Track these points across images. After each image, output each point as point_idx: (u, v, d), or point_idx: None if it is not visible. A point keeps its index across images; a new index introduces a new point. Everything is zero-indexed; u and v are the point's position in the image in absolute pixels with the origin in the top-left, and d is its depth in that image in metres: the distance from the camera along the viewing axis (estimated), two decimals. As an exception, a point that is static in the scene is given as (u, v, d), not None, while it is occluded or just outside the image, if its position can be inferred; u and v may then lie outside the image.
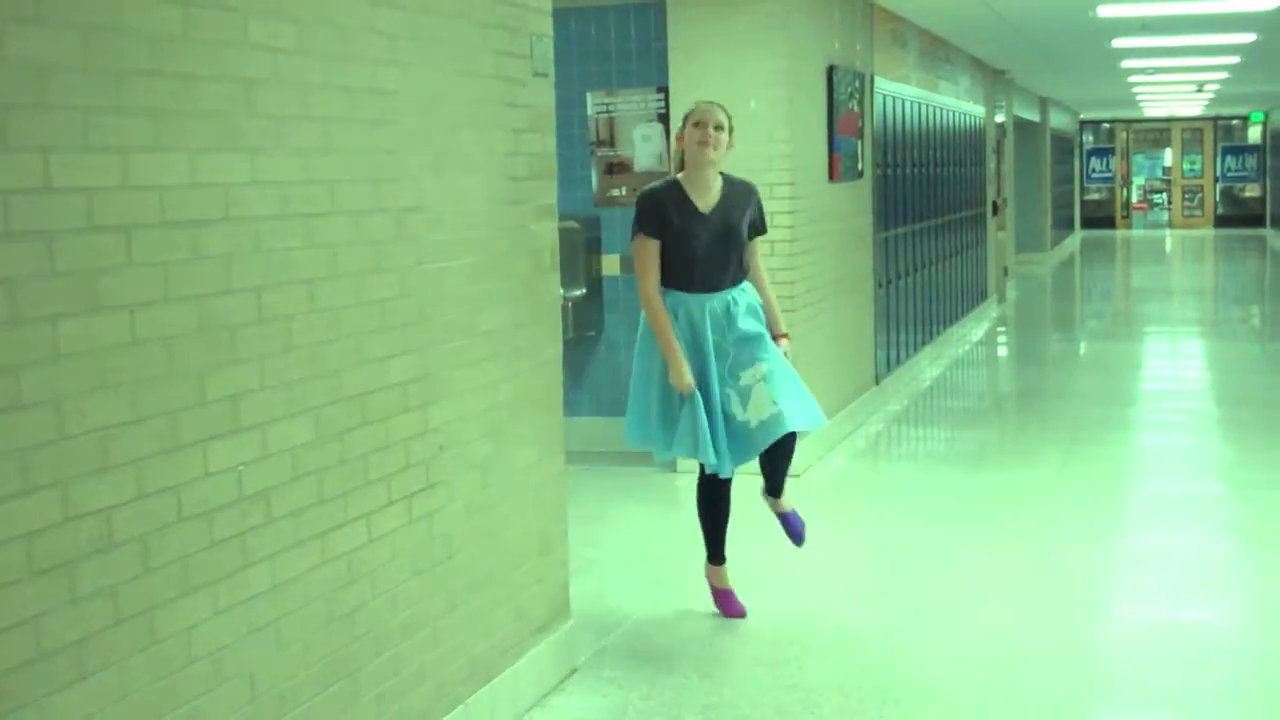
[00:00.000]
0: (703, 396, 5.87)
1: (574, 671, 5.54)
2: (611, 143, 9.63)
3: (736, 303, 6.01)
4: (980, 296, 17.93)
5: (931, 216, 14.16)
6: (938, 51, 14.91)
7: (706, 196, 6.04)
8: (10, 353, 2.93)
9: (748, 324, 5.99)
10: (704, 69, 9.08)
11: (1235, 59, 18.88)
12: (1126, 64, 19.37)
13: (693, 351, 5.94)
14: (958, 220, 15.85)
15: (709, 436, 5.85)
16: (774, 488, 6.28)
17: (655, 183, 6.16)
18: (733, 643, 5.95)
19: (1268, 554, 7.21)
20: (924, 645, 5.86)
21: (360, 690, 4.19)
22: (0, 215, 2.90)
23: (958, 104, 16.15)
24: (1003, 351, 16.33)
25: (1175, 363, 15.66)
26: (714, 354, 5.95)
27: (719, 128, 6.02)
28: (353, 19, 4.14)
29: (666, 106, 9.37)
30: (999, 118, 20.33)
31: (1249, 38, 15.65)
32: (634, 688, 5.43)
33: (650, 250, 5.98)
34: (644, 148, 9.61)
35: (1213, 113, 38.27)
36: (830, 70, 9.97)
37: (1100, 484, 8.94)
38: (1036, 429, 11.27)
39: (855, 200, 10.90)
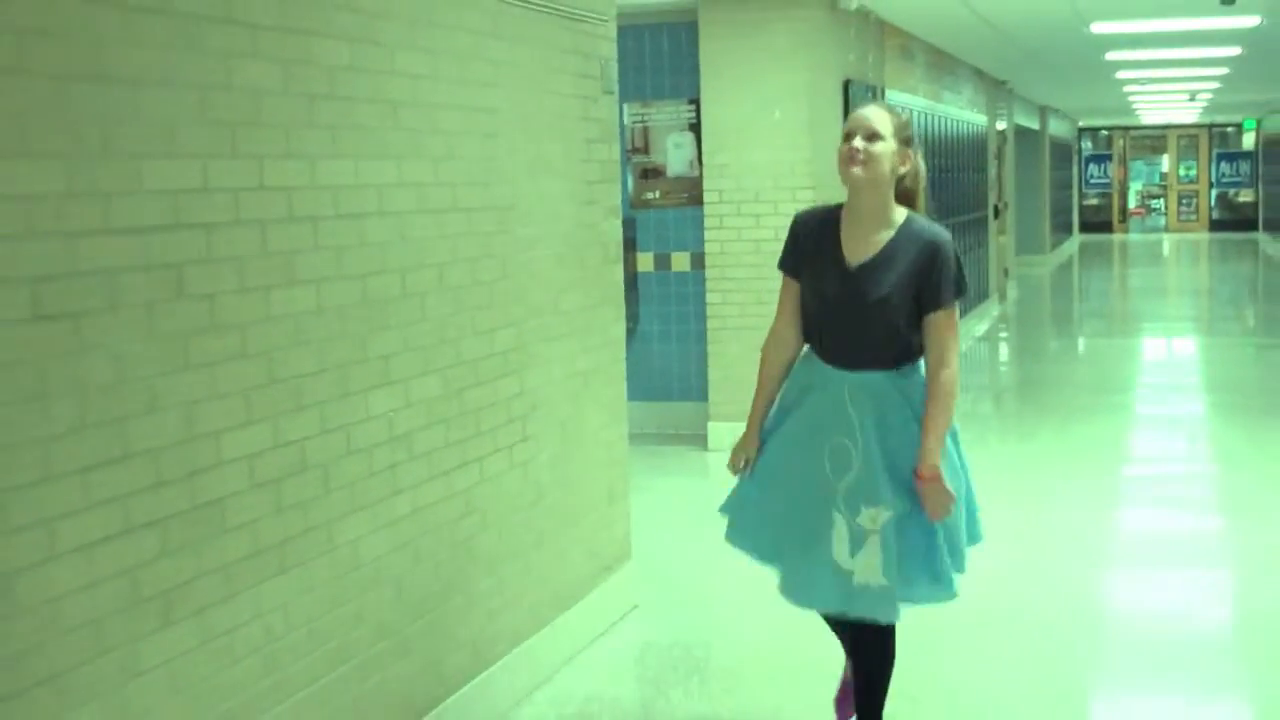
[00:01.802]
0: (802, 502, 4.48)
1: (635, 607, 6.40)
2: (646, 150, 10.49)
3: (872, 394, 4.41)
4: (982, 296, 18.80)
5: (938, 219, 14.97)
6: (942, 64, 15.79)
7: (864, 243, 4.44)
8: (238, 314, 3.79)
9: (887, 432, 4.40)
10: (732, 83, 9.97)
11: (1224, 70, 19.74)
12: (1121, 75, 20.24)
13: (809, 439, 4.48)
14: (961, 223, 16.71)
15: (764, 526, 4.61)
16: (859, 700, 4.68)
17: (820, 205, 4.72)
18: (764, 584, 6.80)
19: (1245, 517, 8.07)
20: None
21: (474, 604, 5.05)
22: (232, 206, 3.77)
23: (961, 113, 17.04)
24: (1003, 347, 17.18)
25: (1168, 357, 16.56)
26: (834, 454, 4.43)
27: (872, 137, 4.39)
28: (469, 48, 5.01)
29: (698, 116, 10.24)
30: (1000, 125, 21.21)
31: (1235, 51, 16.53)
32: (685, 623, 6.30)
33: (784, 289, 4.63)
34: (676, 155, 10.47)
35: (1207, 120, 39.08)
36: (846, 84, 10.84)
37: (1089, 455, 9.80)
38: (1033, 412, 12.16)
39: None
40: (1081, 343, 17.90)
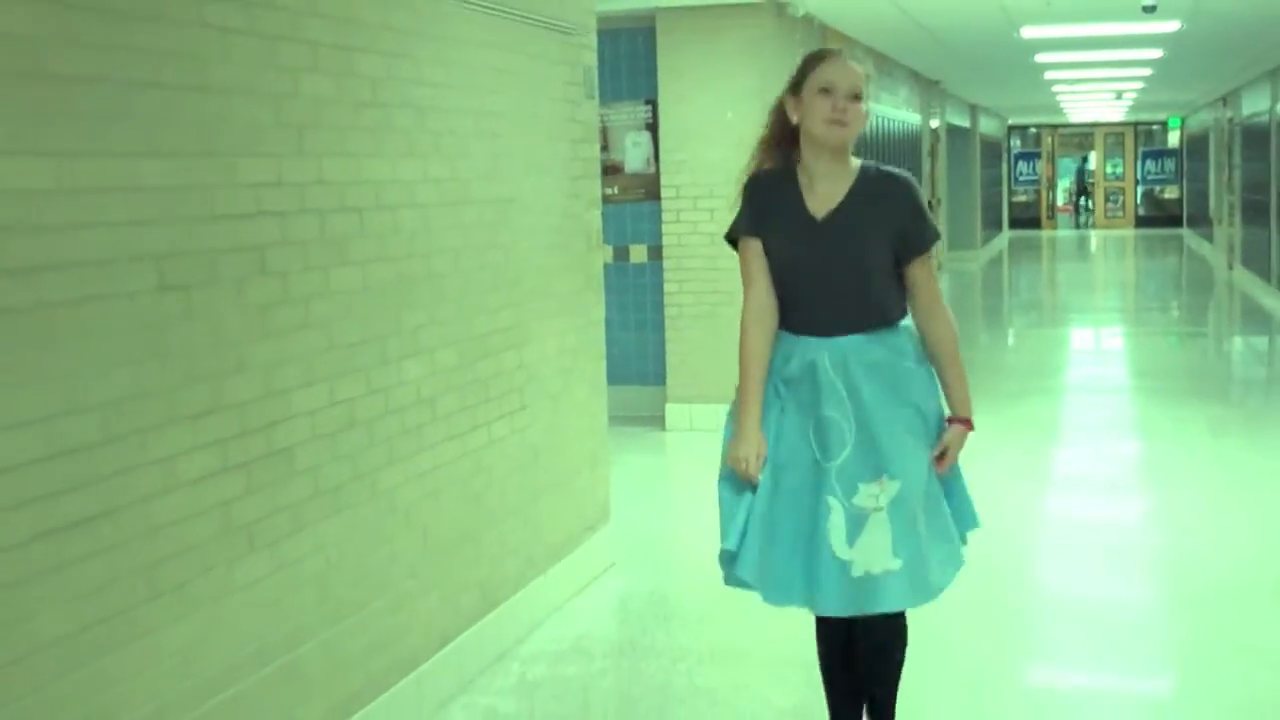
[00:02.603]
0: (792, 497, 4.09)
1: (614, 564, 7.07)
2: (605, 148, 11.16)
3: (858, 358, 4.06)
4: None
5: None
6: (880, 65, 16.53)
7: (826, 196, 4.11)
8: (303, 290, 4.43)
9: (881, 395, 4.06)
10: (688, 85, 10.67)
11: (1148, 71, 20.62)
12: (1049, 75, 21.08)
13: (800, 423, 4.11)
14: (897, 218, 17.47)
15: (770, 550, 4.08)
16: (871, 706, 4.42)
17: (768, 168, 4.28)
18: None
19: (1166, 483, 8.84)
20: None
21: (482, 553, 5.72)
22: (299, 198, 4.42)
23: (897, 112, 17.81)
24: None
25: (1096, 346, 17.41)
26: (820, 431, 4.07)
27: (855, 98, 4.07)
28: (479, 60, 5.67)
29: (654, 117, 10.92)
30: (934, 123, 22.01)
31: (1157, 54, 17.39)
32: (659, 576, 6.99)
33: (749, 254, 4.20)
34: (634, 152, 11.15)
35: (1134, 118, 40.11)
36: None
37: (1023, 431, 10.56)
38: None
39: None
40: (1013, 332, 18.72)
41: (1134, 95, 27.34)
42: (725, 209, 4.40)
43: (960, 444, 4.18)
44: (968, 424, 4.21)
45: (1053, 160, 44.16)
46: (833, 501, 4.00)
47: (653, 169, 11.03)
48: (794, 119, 4.18)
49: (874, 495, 4.00)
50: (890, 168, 4.22)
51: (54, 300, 3.38)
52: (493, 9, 5.77)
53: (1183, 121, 39.05)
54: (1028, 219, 42.19)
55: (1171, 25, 13.85)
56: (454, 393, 5.44)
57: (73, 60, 3.45)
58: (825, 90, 4.08)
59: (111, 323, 3.58)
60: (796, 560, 4.05)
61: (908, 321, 4.20)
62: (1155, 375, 13.96)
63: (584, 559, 6.69)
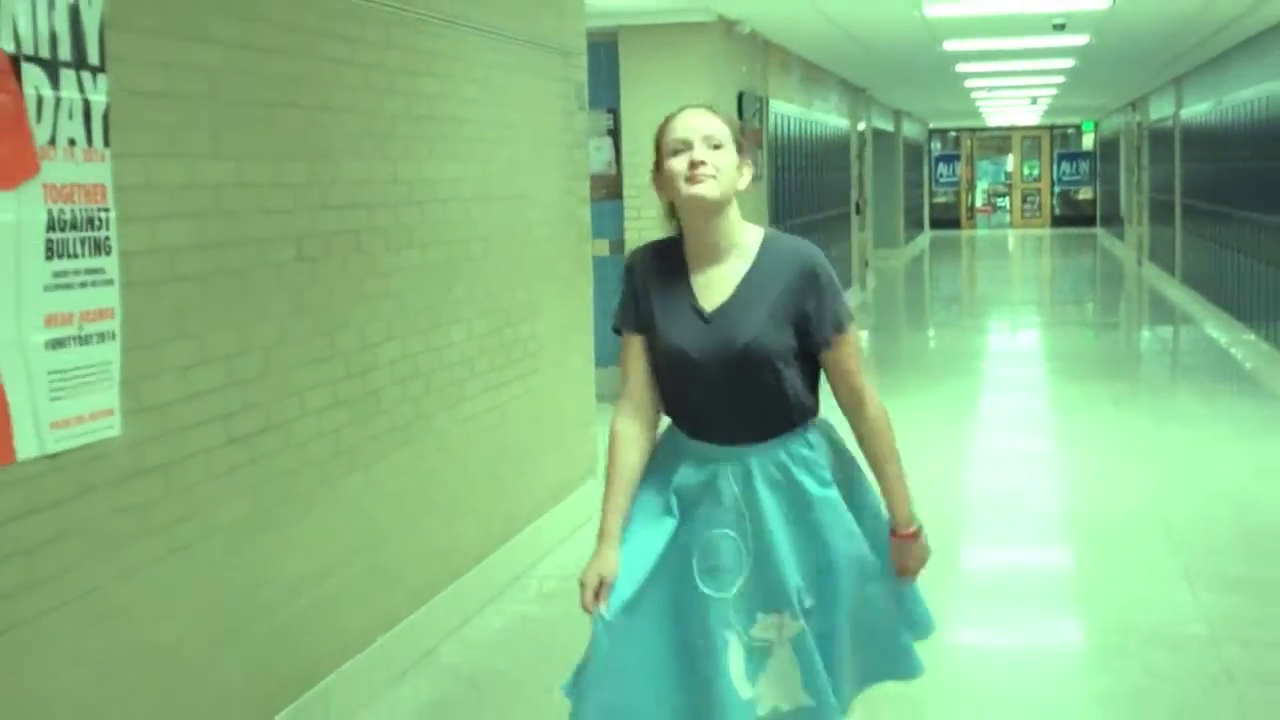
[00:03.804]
0: (669, 626, 3.52)
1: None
2: (571, 152, 12.34)
3: (762, 473, 3.52)
4: (846, 284, 20.85)
5: (809, 213, 17.01)
6: (813, 75, 17.81)
7: (718, 279, 3.54)
8: (384, 265, 5.57)
9: (784, 520, 3.50)
10: (648, 95, 11.86)
11: (1061, 79, 22.01)
12: (969, 84, 22.44)
13: (684, 548, 3.53)
14: (829, 218, 18.75)
15: (644, 682, 3.49)
16: None
17: (651, 242, 3.68)
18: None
19: (1076, 446, 10.12)
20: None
21: (505, 489, 6.87)
22: (381, 192, 5.56)
23: (827, 118, 19.09)
24: (867, 328, 19.23)
25: (1013, 334, 18.76)
26: (709, 553, 3.52)
27: (716, 147, 3.48)
28: (501, 79, 6.83)
29: (615, 123, 12.12)
30: (860, 127, 23.33)
31: (1069, 63, 18.76)
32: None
33: (627, 350, 3.65)
34: (596, 156, 12.29)
35: (1049, 122, 41.47)
36: (740, 95, 12.78)
37: (948, 406, 11.82)
38: (896, 376, 14.17)
39: (757, 201, 13.70)
40: (936, 323, 20.07)
41: (1049, 101, 28.79)
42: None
43: (911, 555, 3.62)
44: (911, 536, 3.61)
45: (972, 163, 45.37)
46: (729, 635, 3.45)
47: (614, 170, 12.21)
48: (663, 200, 3.59)
49: (775, 626, 3.45)
50: (798, 243, 3.62)
51: (232, 268, 4.52)
52: (509, 36, 6.92)
53: (1096, 125, 40.35)
54: (948, 219, 43.20)
55: (1081, 39, 15.19)
56: (486, 355, 6.59)
57: (240, 85, 4.58)
58: (678, 151, 3.49)
59: (267, 286, 4.72)
60: (666, 703, 3.50)
61: (822, 423, 3.64)
62: (1067, 358, 15.33)
63: (579, 501, 7.84)
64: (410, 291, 5.79)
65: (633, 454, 3.62)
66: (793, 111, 15.91)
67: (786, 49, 15.40)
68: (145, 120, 4.07)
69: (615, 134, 12.18)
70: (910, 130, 33.80)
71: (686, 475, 3.56)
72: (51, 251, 3.64)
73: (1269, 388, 12.35)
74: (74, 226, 3.72)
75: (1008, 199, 45.55)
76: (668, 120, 3.57)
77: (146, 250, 4.06)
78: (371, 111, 5.48)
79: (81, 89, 3.76)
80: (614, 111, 12.17)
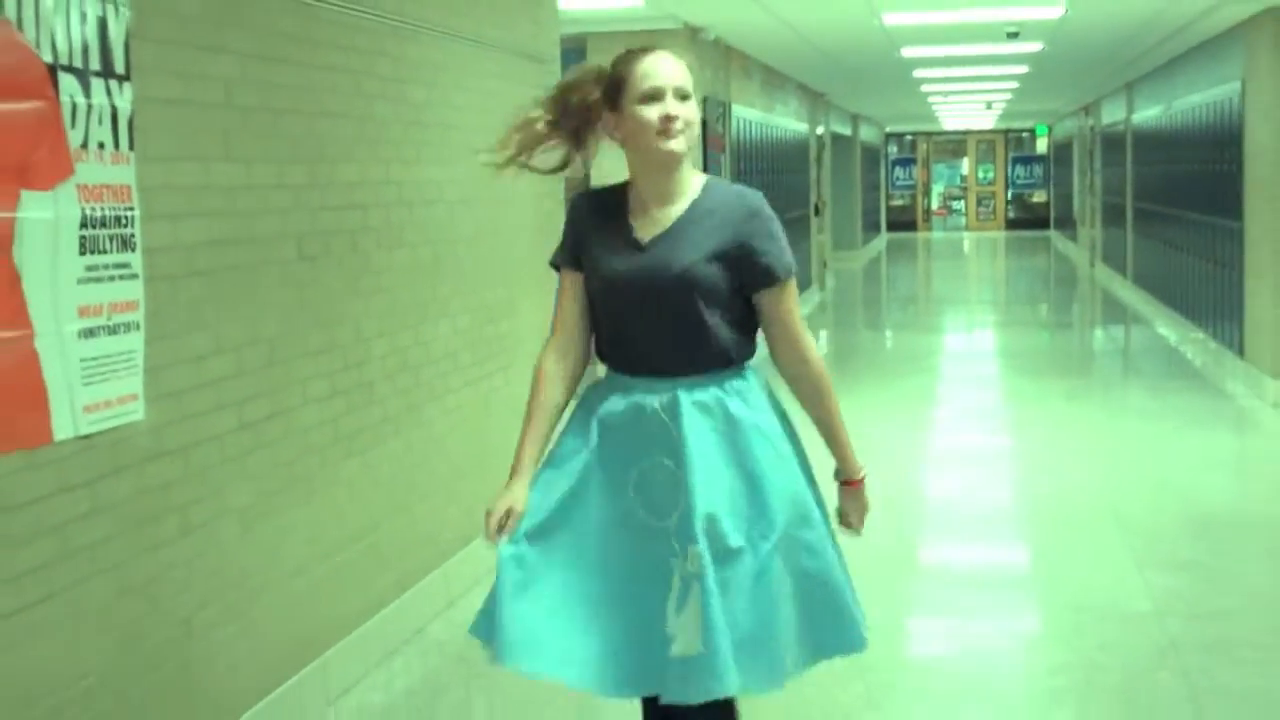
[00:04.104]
0: (625, 568, 3.41)
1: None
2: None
3: (687, 405, 3.40)
4: (805, 284, 21.21)
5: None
6: (774, 80, 18.17)
7: (659, 218, 3.49)
8: (378, 263, 5.87)
9: (709, 450, 3.38)
10: (615, 100, 12.16)
11: (1015, 84, 22.44)
12: (925, 88, 22.84)
13: (611, 479, 3.45)
14: (790, 219, 19.09)
15: (521, 612, 3.41)
16: None
17: (599, 187, 3.72)
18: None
19: (1029, 433, 10.49)
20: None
21: (487, 478, 7.15)
22: (374, 194, 5.86)
23: (787, 122, 19.46)
24: (826, 327, 19.62)
25: (969, 332, 19.16)
26: (644, 482, 3.42)
27: (684, 98, 3.43)
28: (482, 86, 7.13)
29: (583, 128, 12.40)
30: (819, 130, 23.71)
31: (1023, 69, 19.18)
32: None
33: (562, 285, 3.63)
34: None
35: (1004, 126, 41.95)
36: (704, 100, 13.10)
37: (906, 400, 12.18)
38: (853, 373, 14.55)
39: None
40: (893, 323, 20.46)
41: (1003, 105, 29.25)
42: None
43: (856, 506, 3.62)
44: (855, 483, 3.60)
45: (928, 166, 45.84)
46: (671, 560, 3.32)
47: (582, 170, 12.47)
48: (615, 138, 3.56)
49: (690, 562, 3.29)
50: (739, 186, 3.57)
51: (242, 264, 4.81)
52: (489, 44, 7.23)
53: (1050, 129, 40.83)
54: (904, 222, 43.64)
55: (1035, 46, 15.59)
56: (469, 349, 6.89)
57: (248, 93, 4.88)
58: (651, 97, 3.41)
59: (272, 281, 5.01)
60: (590, 632, 3.37)
61: (757, 366, 3.59)
62: (1022, 356, 15.74)
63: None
64: (401, 288, 6.09)
65: (555, 390, 3.62)
66: (754, 116, 16.26)
67: (748, 55, 15.75)
68: (165, 125, 4.36)
69: (583, 138, 12.46)
70: (867, 134, 34.20)
71: (614, 404, 3.48)
72: (84, 247, 3.93)
73: (1216, 384, 12.79)
74: (104, 224, 4.01)
75: (963, 202, 46.04)
76: (632, 58, 3.46)
77: (166, 247, 4.35)
78: (363, 117, 5.77)
79: (110, 96, 4.05)
80: (582, 116, 12.46)
